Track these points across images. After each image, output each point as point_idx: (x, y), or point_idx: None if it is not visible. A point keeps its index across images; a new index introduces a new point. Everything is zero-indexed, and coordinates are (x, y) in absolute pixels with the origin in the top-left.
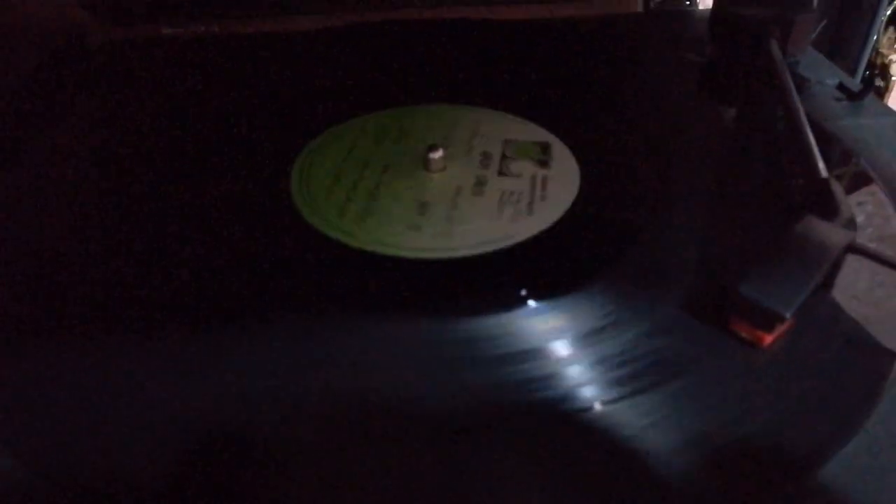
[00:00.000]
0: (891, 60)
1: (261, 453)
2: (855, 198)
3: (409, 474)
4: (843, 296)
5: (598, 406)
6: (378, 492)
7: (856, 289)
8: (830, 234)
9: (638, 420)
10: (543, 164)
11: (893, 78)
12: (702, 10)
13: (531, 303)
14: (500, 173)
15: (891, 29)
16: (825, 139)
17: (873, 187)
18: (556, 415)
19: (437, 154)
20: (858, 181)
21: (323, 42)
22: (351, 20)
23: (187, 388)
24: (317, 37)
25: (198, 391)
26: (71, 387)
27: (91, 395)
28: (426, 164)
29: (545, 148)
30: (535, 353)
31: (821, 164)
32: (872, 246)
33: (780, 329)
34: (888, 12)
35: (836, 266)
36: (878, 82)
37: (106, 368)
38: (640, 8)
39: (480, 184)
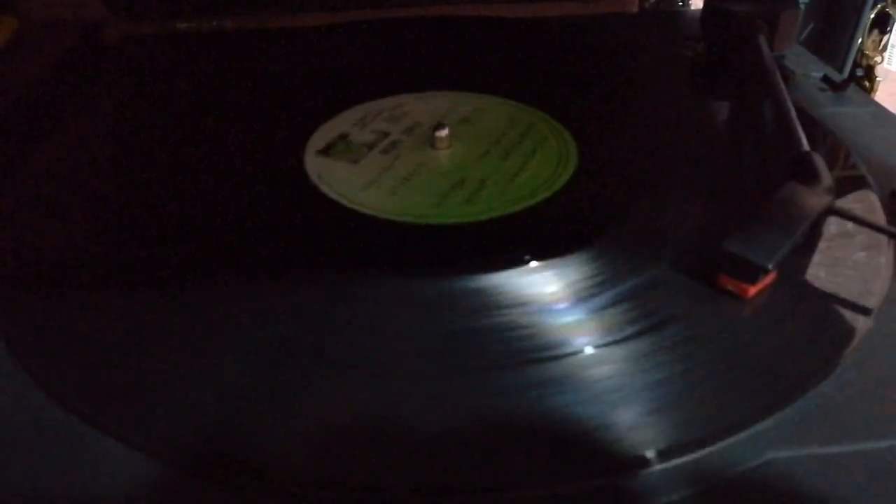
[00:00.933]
0: (875, 62)
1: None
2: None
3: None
4: (823, 256)
5: (589, 350)
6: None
7: (834, 249)
8: (810, 197)
9: (628, 363)
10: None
11: (878, 79)
12: (693, 10)
13: (544, 261)
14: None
15: (875, 31)
16: (811, 125)
17: (866, 192)
18: (556, 355)
19: (444, 132)
20: (851, 185)
21: (331, 37)
22: (358, 17)
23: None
24: (326, 32)
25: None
26: (112, 346)
27: (126, 356)
28: (433, 142)
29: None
30: (541, 303)
31: (803, 140)
32: (852, 211)
33: (763, 282)
34: (872, 15)
35: (815, 228)
36: (864, 83)
37: (136, 329)
38: (635, 8)
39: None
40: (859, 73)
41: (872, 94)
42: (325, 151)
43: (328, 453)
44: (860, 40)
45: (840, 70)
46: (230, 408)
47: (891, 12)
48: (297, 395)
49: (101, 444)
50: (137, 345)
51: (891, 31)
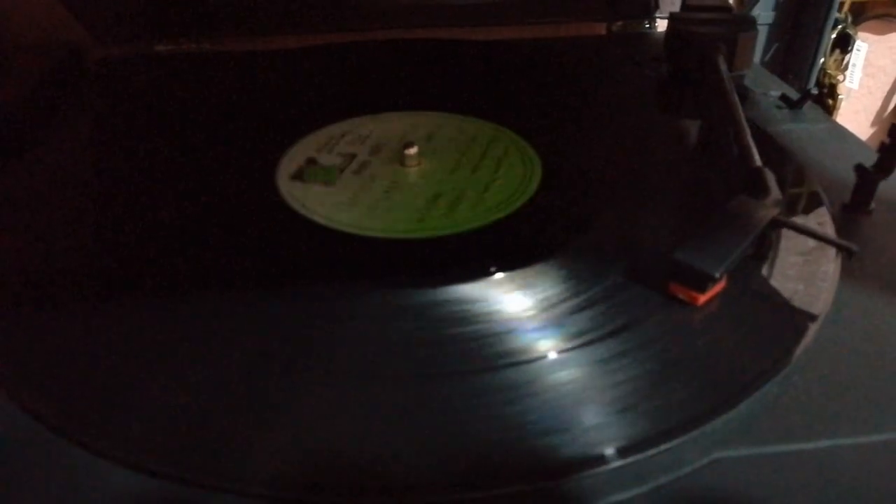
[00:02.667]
0: (838, 80)
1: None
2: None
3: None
4: (773, 264)
5: (552, 354)
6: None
7: (784, 258)
8: (758, 209)
9: (583, 369)
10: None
11: (841, 97)
12: (658, 33)
13: (511, 271)
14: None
15: (836, 51)
16: (768, 142)
17: (818, 204)
18: (522, 360)
19: (412, 150)
20: (804, 198)
21: (305, 59)
22: (331, 40)
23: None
24: (300, 54)
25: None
26: (90, 356)
27: (105, 364)
28: (402, 159)
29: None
30: (508, 312)
31: (755, 156)
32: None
33: (712, 290)
34: (833, 36)
35: (764, 238)
36: (828, 101)
37: (118, 340)
38: (603, 30)
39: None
40: (814, 91)
41: (835, 113)
42: (299, 176)
43: (305, 460)
44: (822, 60)
45: (804, 88)
46: (210, 417)
47: (851, 33)
48: (274, 404)
49: (78, 458)
50: (119, 358)
51: (851, 50)
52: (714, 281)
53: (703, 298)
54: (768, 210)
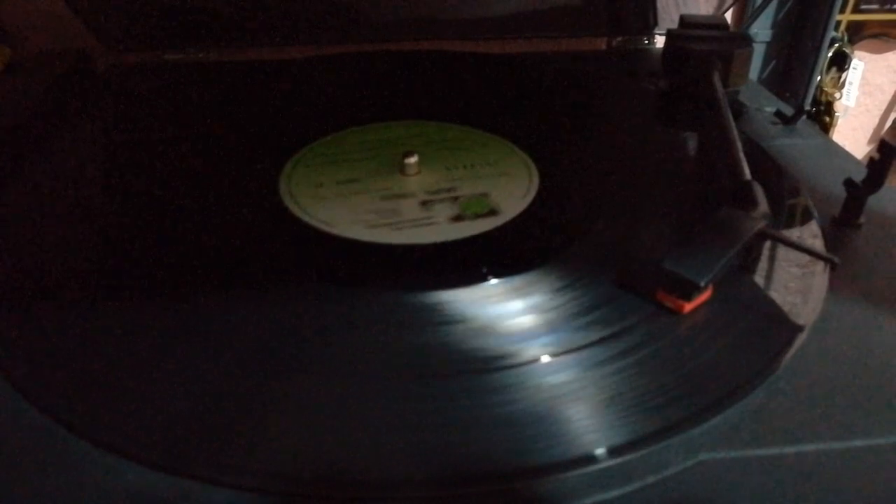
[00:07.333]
0: (834, 98)
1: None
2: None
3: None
4: (763, 275)
5: (545, 358)
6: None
7: (773, 269)
8: (744, 220)
9: (574, 372)
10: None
11: (837, 114)
12: (657, 48)
13: (502, 279)
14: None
15: (833, 69)
16: (761, 156)
17: (808, 218)
18: (513, 364)
19: (412, 159)
20: (796, 211)
21: (309, 68)
22: (335, 51)
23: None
24: (304, 64)
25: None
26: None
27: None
28: (402, 168)
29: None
30: (499, 318)
31: (746, 169)
32: (783, 234)
33: (699, 299)
34: (829, 54)
35: (752, 250)
36: (825, 118)
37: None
38: (603, 45)
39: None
40: (810, 108)
41: (832, 130)
42: (460, 218)
43: (300, 457)
44: (819, 78)
45: (801, 105)
46: (211, 414)
47: (847, 51)
48: (271, 403)
49: (84, 451)
50: (126, 355)
51: (848, 68)
52: (699, 290)
53: (688, 307)
54: (755, 222)
